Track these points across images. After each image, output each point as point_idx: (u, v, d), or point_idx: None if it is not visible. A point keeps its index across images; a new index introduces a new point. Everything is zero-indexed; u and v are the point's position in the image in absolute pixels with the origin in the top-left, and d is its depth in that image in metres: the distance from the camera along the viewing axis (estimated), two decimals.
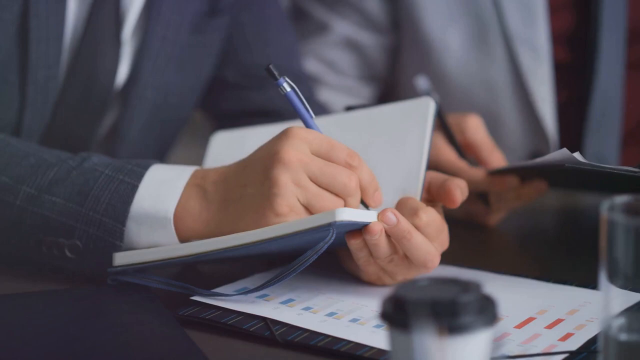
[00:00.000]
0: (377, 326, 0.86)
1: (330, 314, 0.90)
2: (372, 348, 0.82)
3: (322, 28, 1.52)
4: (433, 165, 1.15)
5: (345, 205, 0.94)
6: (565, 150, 0.97)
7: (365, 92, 1.55)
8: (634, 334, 0.70)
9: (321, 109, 1.35)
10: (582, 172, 1.03)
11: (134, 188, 0.96)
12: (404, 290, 0.65)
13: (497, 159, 1.22)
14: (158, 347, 0.83)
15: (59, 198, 0.97)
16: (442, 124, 1.23)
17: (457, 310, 0.63)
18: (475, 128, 1.24)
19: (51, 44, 1.11)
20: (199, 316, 0.89)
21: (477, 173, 1.19)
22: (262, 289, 0.92)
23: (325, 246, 0.89)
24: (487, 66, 1.46)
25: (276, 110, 1.31)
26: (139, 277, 0.94)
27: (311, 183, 0.92)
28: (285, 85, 0.97)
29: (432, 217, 0.94)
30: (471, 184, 1.10)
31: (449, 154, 1.21)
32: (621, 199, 0.69)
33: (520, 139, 1.48)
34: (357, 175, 0.94)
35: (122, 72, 1.20)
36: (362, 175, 0.95)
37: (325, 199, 0.93)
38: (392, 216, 0.91)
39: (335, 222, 0.87)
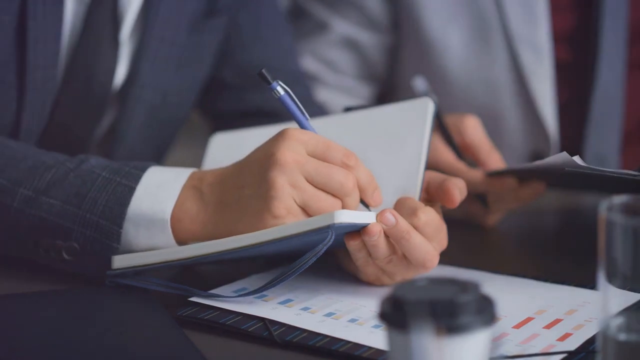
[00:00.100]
0: (376, 326, 0.86)
1: (329, 314, 0.89)
2: (370, 348, 0.82)
3: (321, 27, 1.52)
4: (431, 166, 1.15)
5: (343, 206, 0.94)
6: (564, 154, 0.97)
7: (364, 91, 1.54)
8: (632, 334, 0.70)
9: (320, 109, 1.35)
10: (582, 175, 1.03)
11: (131, 190, 0.96)
12: (403, 290, 0.65)
13: (495, 160, 1.22)
14: (157, 348, 0.83)
15: (56, 200, 0.97)
16: (440, 125, 1.23)
17: (455, 311, 0.63)
18: (473, 129, 1.23)
19: (49, 45, 1.11)
20: (198, 317, 0.88)
21: (476, 174, 1.18)
22: (261, 292, 0.91)
23: (324, 248, 0.88)
24: (488, 65, 1.46)
25: (274, 111, 1.31)
26: (137, 280, 0.94)
27: (307, 184, 0.92)
28: (279, 88, 0.97)
29: (430, 217, 0.94)
30: (469, 185, 1.10)
31: (447, 155, 1.21)
32: (620, 199, 0.69)
33: (521, 139, 1.48)
34: (354, 175, 0.94)
35: (120, 72, 1.20)
36: (360, 174, 0.94)
37: (322, 200, 0.92)
38: (391, 217, 0.91)
39: (334, 224, 0.87)
